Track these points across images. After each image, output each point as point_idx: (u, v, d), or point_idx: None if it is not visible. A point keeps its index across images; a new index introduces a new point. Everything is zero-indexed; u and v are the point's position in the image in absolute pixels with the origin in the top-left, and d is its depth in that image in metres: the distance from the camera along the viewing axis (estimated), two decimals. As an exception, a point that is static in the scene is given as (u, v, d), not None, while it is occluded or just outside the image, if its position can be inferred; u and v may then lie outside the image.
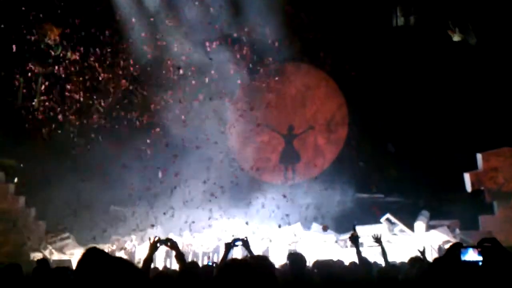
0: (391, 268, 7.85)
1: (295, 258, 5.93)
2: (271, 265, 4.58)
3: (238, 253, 11.53)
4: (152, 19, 19.73)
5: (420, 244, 15.26)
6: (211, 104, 19.95)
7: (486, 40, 19.65)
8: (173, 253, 5.25)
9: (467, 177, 18.09)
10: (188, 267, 5.28)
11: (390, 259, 8.32)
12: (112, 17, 19.36)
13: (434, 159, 19.01)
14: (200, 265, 9.51)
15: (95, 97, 19.88)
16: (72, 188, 17.33)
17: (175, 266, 13.72)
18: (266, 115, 21.36)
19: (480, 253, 4.03)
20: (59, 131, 19.30)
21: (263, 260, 4.41)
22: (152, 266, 15.64)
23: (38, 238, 18.21)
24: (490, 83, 18.76)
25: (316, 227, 18.46)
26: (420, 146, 19.49)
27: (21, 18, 18.41)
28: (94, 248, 3.34)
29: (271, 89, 21.50)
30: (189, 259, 16.26)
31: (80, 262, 3.08)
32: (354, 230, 7.22)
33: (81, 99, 19.75)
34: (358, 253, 6.54)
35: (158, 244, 4.85)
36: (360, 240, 8.37)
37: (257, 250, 13.45)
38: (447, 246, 12.20)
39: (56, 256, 17.24)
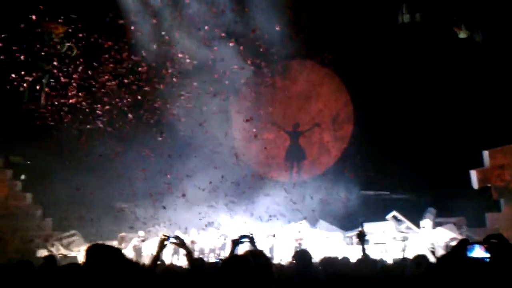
0: (396, 265, 7.85)
1: (301, 255, 5.94)
2: (267, 258, 4.62)
3: (244, 250, 11.54)
4: (156, 17, 19.74)
5: (427, 241, 15.25)
6: (216, 102, 19.95)
7: (492, 36, 19.58)
8: (182, 250, 5.26)
9: (473, 174, 18.07)
10: (195, 264, 5.30)
11: (395, 256, 8.32)
12: (117, 15, 19.37)
13: (440, 156, 18.96)
14: (207, 261, 9.53)
15: (100, 95, 19.89)
16: (78, 185, 17.39)
17: (181, 262, 13.78)
18: (271, 113, 21.34)
19: (487, 250, 4.03)
20: (65, 130, 19.34)
21: (259, 255, 4.44)
22: (158, 262, 15.64)
23: (45, 235, 18.33)
24: (497, 80, 18.69)
25: (322, 224, 18.48)
26: (426, 143, 19.44)
27: (26, 17, 18.45)
28: (99, 244, 3.35)
29: (277, 87, 21.49)
30: (196, 256, 16.33)
31: (86, 258, 3.10)
32: (362, 227, 7.20)
33: (87, 97, 19.79)
34: (364, 250, 6.53)
35: (166, 242, 4.86)
36: (366, 237, 8.37)
37: (263, 247, 13.48)
38: (453, 243, 12.20)
39: (63, 252, 17.33)
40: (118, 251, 3.11)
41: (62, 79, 19.76)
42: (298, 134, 22.04)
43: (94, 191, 17.50)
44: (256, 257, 4.11)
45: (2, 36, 17.82)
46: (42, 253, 16.89)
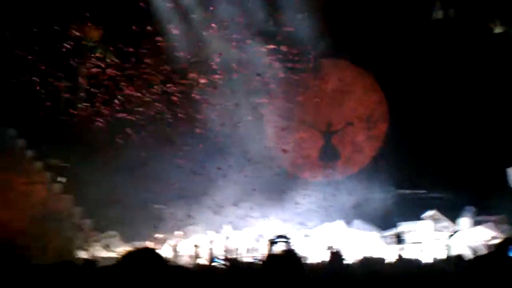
0: (435, 264, 7.75)
1: (335, 256, 5.93)
2: (302, 259, 4.63)
3: (280, 249, 11.56)
4: (188, 17, 19.89)
5: (466, 240, 15.00)
6: (249, 101, 19.98)
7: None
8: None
9: (511, 172, 17.69)
10: (232, 263, 5.34)
11: (433, 256, 8.21)
12: (150, 16, 19.58)
13: (478, 154, 18.58)
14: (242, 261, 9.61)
15: (136, 95, 20.12)
16: (116, 187, 17.67)
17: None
18: (304, 112, 21.28)
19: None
20: (102, 131, 19.64)
21: (294, 255, 4.44)
22: (196, 261, 15.85)
23: (84, 236, 18.70)
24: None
25: (357, 224, 18.34)
26: (463, 140, 19.07)
27: (61, 19, 18.81)
28: (138, 248, 3.39)
29: (309, 86, 21.40)
30: (231, 256, 16.42)
31: (125, 261, 3.13)
32: (399, 229, 7.15)
33: (122, 98, 20.04)
34: (401, 251, 6.47)
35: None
36: (403, 237, 8.30)
37: (298, 247, 13.48)
38: (494, 242, 11.96)
39: (101, 253, 17.64)
40: (156, 254, 3.15)
41: (98, 82, 20.08)
42: (331, 133, 21.92)
43: (131, 192, 17.77)
44: (292, 257, 4.12)
45: (38, 41, 18.20)
46: (82, 254, 17.26)
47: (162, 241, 17.58)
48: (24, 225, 17.75)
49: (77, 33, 19.85)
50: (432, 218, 17.12)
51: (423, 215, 17.37)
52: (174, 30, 19.83)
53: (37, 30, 18.09)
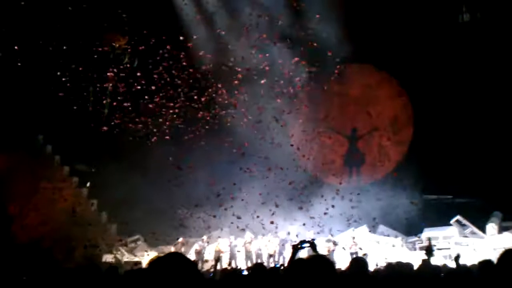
0: (462, 270, 7.62)
1: (358, 262, 5.88)
2: (331, 264, 4.59)
3: (304, 255, 11.50)
4: (212, 22, 20.01)
5: (493, 246, 14.73)
6: (273, 106, 19.93)
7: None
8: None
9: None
10: (256, 268, 5.35)
11: (460, 262, 8.07)
12: (175, 23, 19.74)
13: (505, 159, 18.23)
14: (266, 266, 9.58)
15: (163, 101, 20.24)
16: (140, 192, 17.84)
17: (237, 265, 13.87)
18: (329, 117, 21.20)
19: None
20: (128, 138, 19.79)
21: (322, 260, 4.42)
22: (218, 267, 15.86)
23: (110, 240, 18.92)
24: None
25: (382, 229, 18.17)
26: (490, 145, 18.75)
27: (89, 28, 19.07)
28: (165, 254, 3.41)
29: (333, 90, 21.31)
30: (254, 261, 16.41)
31: (153, 267, 3.14)
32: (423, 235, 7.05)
33: (150, 104, 20.19)
34: (428, 260, 6.38)
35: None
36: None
37: (323, 253, 13.39)
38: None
39: (127, 257, 17.82)
40: (185, 259, 3.16)
41: (124, 89, 20.28)
42: (356, 138, 21.80)
43: (157, 196, 17.92)
44: (320, 262, 4.10)
45: (66, 48, 18.49)
46: (107, 258, 17.47)
47: (187, 245, 17.67)
48: (51, 228, 18.08)
49: (107, 43, 20.13)
50: (458, 223, 16.86)
51: (450, 221, 17.12)
52: (200, 38, 19.93)
53: (68, 39, 18.40)
